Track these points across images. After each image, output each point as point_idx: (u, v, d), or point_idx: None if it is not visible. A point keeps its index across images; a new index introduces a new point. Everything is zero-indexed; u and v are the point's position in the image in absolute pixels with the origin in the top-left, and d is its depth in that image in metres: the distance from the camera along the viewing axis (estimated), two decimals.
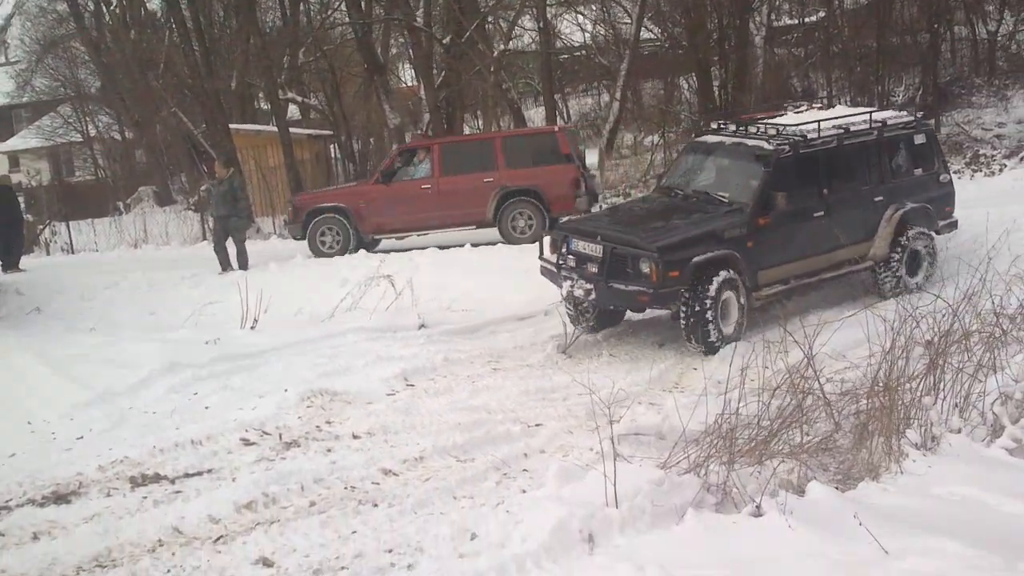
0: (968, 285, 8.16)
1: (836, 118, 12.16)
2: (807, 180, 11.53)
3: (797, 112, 13.06)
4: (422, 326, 11.84)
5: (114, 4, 34.51)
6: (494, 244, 16.62)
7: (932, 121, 13.23)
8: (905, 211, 12.11)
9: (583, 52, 37.06)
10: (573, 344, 11.05)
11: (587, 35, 36.77)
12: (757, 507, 5.51)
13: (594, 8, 35.89)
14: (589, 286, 10.78)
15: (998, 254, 9.25)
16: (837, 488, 5.99)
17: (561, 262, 11.43)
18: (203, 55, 26.14)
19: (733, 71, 28.24)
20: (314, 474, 7.11)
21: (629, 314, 12.17)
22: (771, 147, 11.43)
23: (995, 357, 7.49)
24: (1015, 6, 31.19)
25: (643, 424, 7.82)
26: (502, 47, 25.92)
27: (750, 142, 11.80)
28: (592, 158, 19.09)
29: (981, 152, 23.24)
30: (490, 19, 29.62)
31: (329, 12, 30.93)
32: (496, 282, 14.04)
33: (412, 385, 9.61)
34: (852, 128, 11.99)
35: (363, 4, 26.40)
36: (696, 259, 10.52)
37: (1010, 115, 26.30)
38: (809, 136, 11.55)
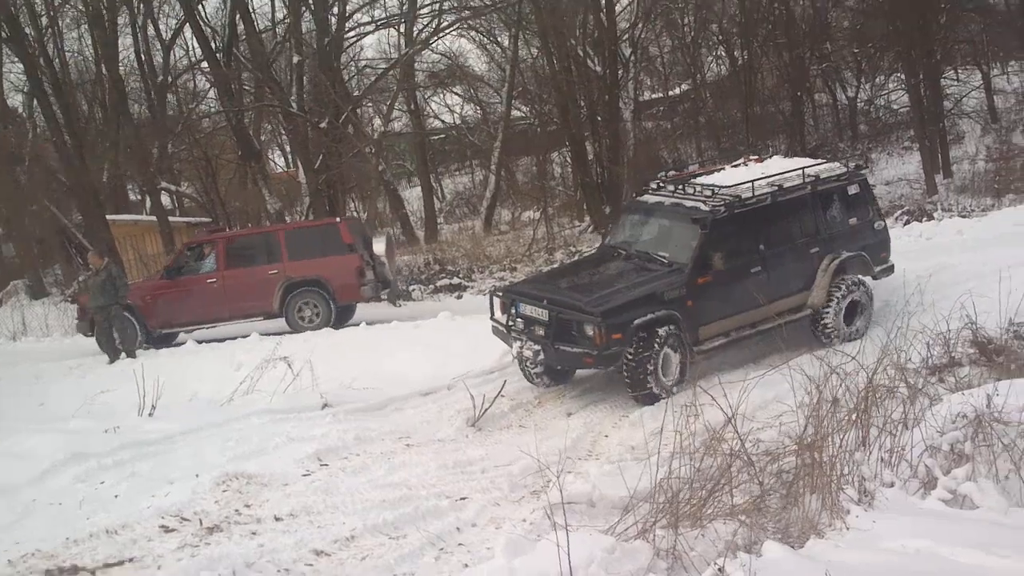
0: (884, 341, 8.41)
1: (770, 176, 12.34)
2: (743, 238, 11.91)
3: (734, 167, 13.28)
4: (326, 405, 11.54)
5: None
6: (389, 322, 16.42)
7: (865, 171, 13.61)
8: (841, 260, 12.50)
9: (455, 132, 37.39)
10: (482, 417, 10.93)
11: (455, 116, 37.18)
12: (720, 570, 5.40)
13: (460, 91, 36.35)
14: (537, 347, 11.31)
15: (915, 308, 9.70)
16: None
17: (511, 323, 11.88)
18: (75, 147, 25.55)
19: (606, 145, 28.71)
20: (244, 558, 6.80)
21: (520, 386, 12.24)
22: (707, 208, 11.75)
23: (914, 411, 7.63)
24: (870, 74, 32.62)
25: (573, 493, 7.73)
26: (382, 129, 25.93)
27: (688, 203, 12.08)
28: (380, 247, 19.28)
29: None
30: (365, 102, 29.75)
31: (199, 100, 30.67)
32: (395, 359, 13.86)
33: (326, 465, 9.33)
34: (786, 185, 12.27)
35: (232, 92, 26.21)
36: (637, 321, 10.93)
37: (877, 177, 27.27)
38: (744, 196, 11.86)
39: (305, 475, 8.99)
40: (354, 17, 27.02)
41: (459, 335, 14.72)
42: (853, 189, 12.99)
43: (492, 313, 12.52)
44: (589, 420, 10.73)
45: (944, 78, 29.49)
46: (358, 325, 16.61)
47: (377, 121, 33.80)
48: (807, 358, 8.52)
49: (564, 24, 28.48)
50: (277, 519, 7.83)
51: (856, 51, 32.40)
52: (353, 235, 18.47)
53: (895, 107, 32.56)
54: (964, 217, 20.86)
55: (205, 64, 27.66)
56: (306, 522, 7.75)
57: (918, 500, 6.52)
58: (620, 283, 11.63)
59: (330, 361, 13.35)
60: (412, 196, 36.32)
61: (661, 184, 12.97)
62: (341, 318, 18.23)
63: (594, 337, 10.84)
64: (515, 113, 34.04)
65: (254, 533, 7.49)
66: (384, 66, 29.03)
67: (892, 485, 6.69)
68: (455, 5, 27.71)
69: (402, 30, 30.08)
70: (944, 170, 27.02)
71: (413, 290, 22.06)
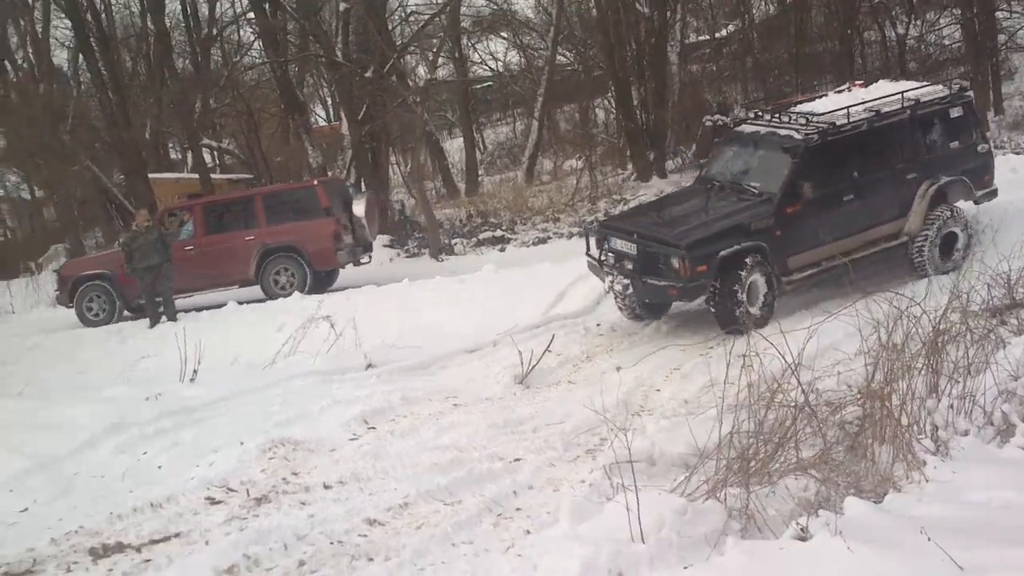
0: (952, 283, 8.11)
1: (869, 101, 12.19)
2: (837, 166, 11.78)
3: (837, 93, 13.21)
4: (370, 366, 11.35)
5: (20, 59, 33.58)
6: (432, 277, 16.17)
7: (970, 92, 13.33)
8: (939, 185, 12.28)
9: (499, 80, 36.94)
10: (530, 374, 10.67)
11: (500, 64, 36.72)
12: (803, 530, 5.13)
13: (505, 36, 35.87)
14: (626, 281, 11.57)
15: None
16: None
17: (603, 258, 12.11)
18: (119, 104, 25.39)
19: (652, 89, 28.22)
20: (294, 530, 6.57)
21: (567, 340, 12.04)
22: (800, 137, 11.70)
23: (983, 354, 7.36)
24: (920, 10, 31.83)
25: (631, 451, 7.43)
26: (428, 77, 25.57)
27: (781, 132, 12.03)
28: (359, 208, 18.92)
29: None
30: (410, 50, 29.42)
31: (244, 52, 30.41)
32: (438, 316, 13.74)
33: (373, 428, 9.11)
34: (884, 110, 12.07)
35: (278, 43, 25.93)
36: (723, 253, 11.00)
37: None
38: (839, 123, 11.75)
39: (352, 439, 8.78)
40: None
41: (503, 289, 14.54)
42: (956, 112, 12.66)
43: (588, 249, 12.72)
44: (639, 374, 10.34)
45: (999, 10, 28.74)
46: (344, 290, 16.37)
47: (421, 70, 33.48)
48: (864, 303, 8.10)
49: None
50: (326, 487, 7.60)
51: None
52: (331, 198, 18.27)
53: (946, 43, 31.76)
54: (1018, 154, 20.25)
55: (251, 15, 27.31)
56: (356, 489, 7.52)
57: (995, 448, 6.34)
58: (708, 215, 11.77)
59: (373, 319, 13.23)
60: (453, 148, 35.97)
61: (760, 113, 13.01)
62: (322, 283, 18.07)
63: (679, 269, 11.02)
64: (560, 59, 33.51)
65: (303, 503, 7.27)
66: (430, 12, 28.51)
67: (967, 433, 6.49)
68: None
69: None
70: (995, 107, 26.36)
71: (455, 244, 21.82)
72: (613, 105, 30.99)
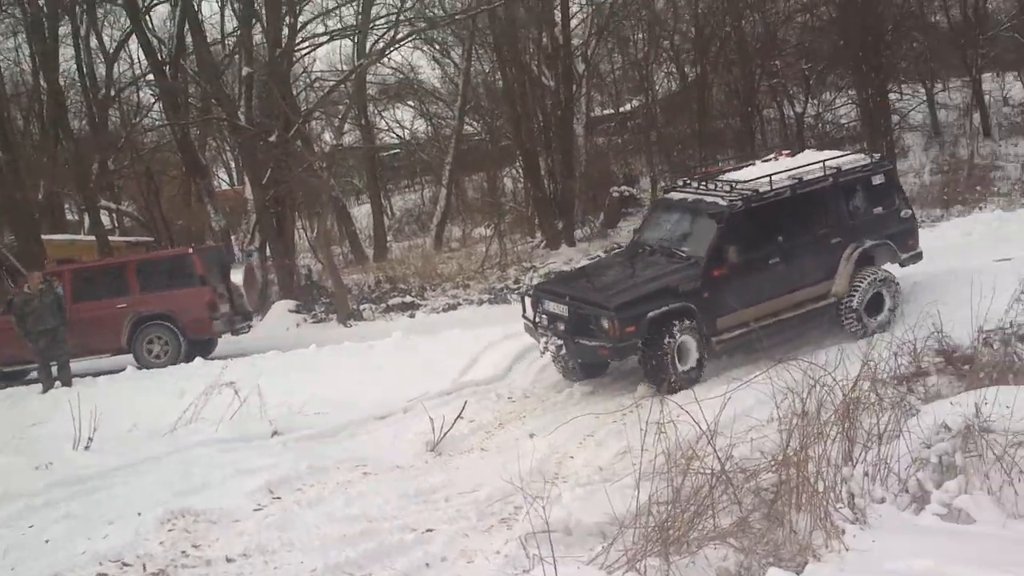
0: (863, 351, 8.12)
1: (792, 169, 12.65)
2: (761, 231, 12.13)
3: (764, 162, 13.60)
4: (275, 433, 11.00)
5: None
6: (340, 343, 15.79)
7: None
8: (864, 248, 12.68)
9: (405, 148, 36.94)
10: (441, 441, 10.39)
11: (406, 131, 36.75)
12: None
13: (413, 105, 35.95)
14: (560, 342, 11.83)
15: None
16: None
17: (537, 320, 12.39)
18: (9, 163, 24.63)
19: (559, 160, 28.43)
20: None
21: (479, 407, 11.86)
22: (724, 203, 12.06)
23: (896, 423, 7.36)
24: (817, 90, 32.81)
25: (547, 520, 7.17)
26: (334, 142, 25.31)
27: (707, 198, 12.40)
28: (238, 276, 18.64)
29: None
30: (315, 116, 29.19)
31: (143, 113, 29.87)
32: (346, 382, 13.37)
33: (279, 498, 8.73)
34: (806, 178, 12.50)
35: (179, 105, 25.48)
36: (651, 314, 11.35)
37: None
38: (762, 190, 12.17)
39: (257, 510, 8.39)
40: (307, 28, 26.43)
41: (413, 356, 14.31)
42: (878, 179, 13.07)
43: (523, 311, 12.90)
44: (553, 441, 10.11)
45: (890, 92, 29.78)
46: (225, 359, 15.56)
47: (327, 136, 33.30)
48: (776, 370, 8.04)
49: (519, 38, 28.16)
50: (229, 560, 7.24)
51: (805, 67, 32.55)
52: (207, 265, 17.94)
53: (842, 122, 32.77)
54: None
55: (150, 76, 26.91)
56: (261, 563, 7.17)
57: (912, 516, 6.30)
58: (637, 278, 12.11)
59: (279, 386, 12.82)
60: (360, 213, 35.82)
61: (687, 181, 13.54)
62: (200, 352, 17.44)
63: (609, 329, 11.32)
64: (467, 129, 33.64)
65: None
66: (335, 79, 28.35)
67: (883, 501, 6.45)
68: (410, 17, 27.14)
69: (355, 41, 29.47)
70: None
71: (364, 309, 21.46)
72: (521, 174, 31.16)
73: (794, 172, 12.56)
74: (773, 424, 8.00)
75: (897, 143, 30.31)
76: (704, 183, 12.87)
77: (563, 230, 27.51)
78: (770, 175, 12.36)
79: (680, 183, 13.66)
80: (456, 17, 28.22)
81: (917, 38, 32.27)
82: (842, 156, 13.44)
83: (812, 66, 32.56)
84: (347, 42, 32.35)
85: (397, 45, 27.13)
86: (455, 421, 10.68)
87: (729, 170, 13.68)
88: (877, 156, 13.74)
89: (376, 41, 28.42)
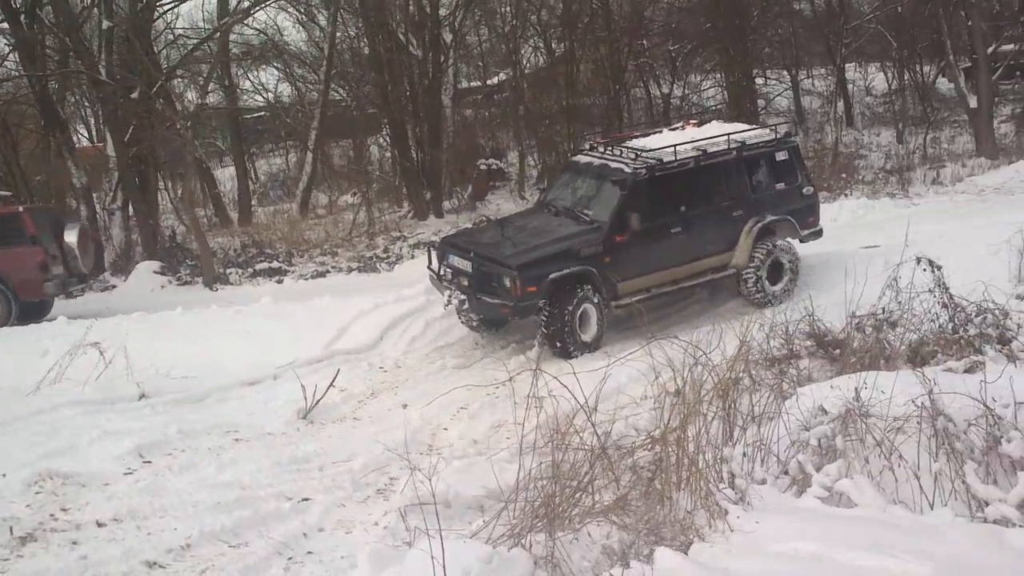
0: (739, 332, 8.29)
1: (697, 140, 12.91)
2: (664, 199, 12.42)
3: (671, 130, 13.88)
4: (143, 396, 10.80)
5: None
6: (207, 306, 15.51)
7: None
8: (764, 223, 13.05)
9: (270, 112, 36.22)
10: (313, 409, 10.32)
11: (271, 95, 36.07)
12: None
13: (278, 67, 35.28)
14: (463, 297, 12.11)
15: None
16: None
17: (442, 273, 12.79)
18: None
19: (427, 130, 28.33)
20: (65, 574, 6.06)
21: (351, 376, 11.81)
22: (629, 170, 12.39)
23: (775, 404, 7.49)
24: (682, 72, 33.42)
25: (426, 493, 7.23)
26: (198, 102, 24.71)
27: (612, 164, 12.76)
28: (72, 237, 18.20)
29: None
30: (179, 75, 28.45)
31: None
32: (214, 346, 13.12)
33: (149, 462, 8.64)
34: (710, 150, 12.80)
35: (36, 56, 24.52)
36: (552, 275, 11.61)
37: None
38: (665, 159, 12.47)
39: (127, 473, 8.30)
40: None
41: (284, 321, 14.13)
42: (782, 155, 13.43)
43: (429, 263, 13.27)
44: (426, 412, 10.14)
45: (756, 76, 30.50)
46: (54, 319, 15.49)
47: (190, 95, 32.47)
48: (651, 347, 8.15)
49: (386, 4, 27.91)
50: (100, 525, 7.12)
51: (672, 48, 33.08)
52: (39, 225, 17.35)
53: (708, 104, 33.40)
54: None
55: (4, 24, 25.77)
56: (133, 528, 7.07)
57: (793, 498, 6.34)
58: (541, 238, 12.29)
59: (145, 348, 12.49)
60: (224, 177, 34.96)
61: (594, 145, 14.01)
62: (32, 314, 16.99)
63: (511, 288, 11.55)
64: (333, 95, 33.14)
65: (75, 542, 6.77)
66: (198, 37, 27.63)
67: (764, 482, 6.50)
68: None
69: None
70: None
71: (230, 273, 21.11)
72: (388, 143, 30.95)
73: (699, 143, 12.83)
74: (647, 401, 8.21)
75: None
76: (611, 148, 13.26)
77: (431, 201, 27.44)
78: (675, 145, 12.61)
79: (587, 147, 14.28)
80: None
81: (782, 24, 33.02)
82: (748, 130, 13.78)
83: (679, 47, 33.14)
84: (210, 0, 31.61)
85: (262, 5, 26.55)
86: (327, 389, 10.61)
87: (636, 136, 14.02)
88: (782, 132, 14.08)
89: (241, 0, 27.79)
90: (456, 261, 12.46)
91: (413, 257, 21.11)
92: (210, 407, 10.77)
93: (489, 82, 37.73)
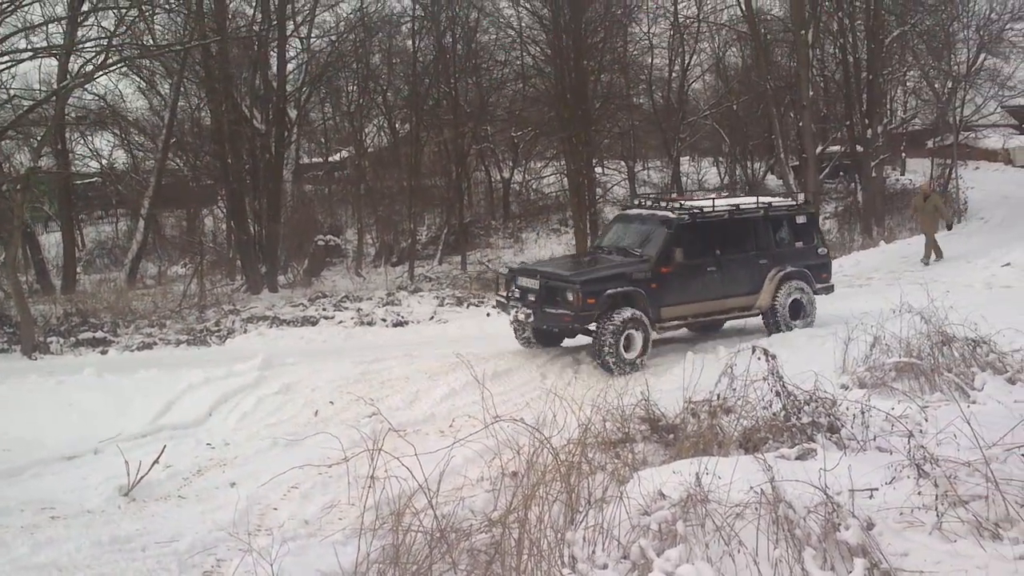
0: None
1: (731, 201, 16.18)
2: (703, 242, 15.17)
3: (707, 198, 16.58)
4: None
5: None
6: (25, 376, 14.85)
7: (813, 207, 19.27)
8: (785, 271, 15.77)
9: (101, 179, 35.35)
10: (136, 486, 9.93)
11: (105, 161, 35.25)
12: None
13: (115, 135, 34.58)
14: (529, 311, 14.41)
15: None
16: None
17: (509, 295, 15.24)
18: None
19: (265, 204, 28.13)
20: None
21: (177, 452, 11.37)
22: (674, 216, 15.12)
23: (612, 487, 7.52)
24: (521, 160, 34.15)
25: None
26: (31, 164, 23.91)
27: (659, 212, 15.52)
28: None
29: None
30: (9, 135, 27.51)
31: None
32: (32, 418, 12.68)
33: None
34: (742, 207, 15.77)
35: None
36: (609, 291, 14.15)
37: (525, 255, 28.31)
38: (705, 210, 15.30)
39: None
40: (8, 41, 24.87)
41: (108, 394, 13.68)
42: (801, 219, 16.38)
43: (497, 289, 15.90)
44: (255, 491, 9.85)
45: (595, 166, 31.36)
46: None
47: (21, 158, 31.44)
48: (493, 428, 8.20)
49: (231, 77, 27.75)
50: None
51: (515, 134, 33.76)
52: None
53: (547, 191, 34.14)
54: None
55: None
56: None
57: None
58: (598, 265, 15.08)
59: None
60: (49, 242, 33.86)
61: (642, 202, 16.90)
62: None
63: (573, 300, 13.94)
64: (171, 164, 32.59)
65: None
66: (34, 100, 26.75)
67: (605, 567, 6.42)
68: (122, 43, 26.02)
69: (60, 60, 27.92)
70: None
71: (51, 343, 20.28)
72: (224, 214, 30.59)
73: (732, 202, 15.86)
74: (484, 483, 8.18)
75: (599, 215, 31.78)
76: (657, 203, 16.02)
77: (266, 274, 27.15)
78: (713, 199, 15.67)
79: (636, 202, 17.47)
80: (171, 48, 27.43)
81: (623, 117, 34.12)
82: (774, 199, 17.03)
83: (522, 134, 33.84)
84: (50, 61, 30.75)
85: (105, 71, 25.97)
86: (152, 465, 10.19)
87: (675, 199, 16.50)
88: (802, 200, 17.30)
89: (83, 64, 27.18)
90: (525, 282, 14.91)
91: (245, 331, 20.68)
92: (25, 482, 10.27)
93: (331, 159, 37.76)
